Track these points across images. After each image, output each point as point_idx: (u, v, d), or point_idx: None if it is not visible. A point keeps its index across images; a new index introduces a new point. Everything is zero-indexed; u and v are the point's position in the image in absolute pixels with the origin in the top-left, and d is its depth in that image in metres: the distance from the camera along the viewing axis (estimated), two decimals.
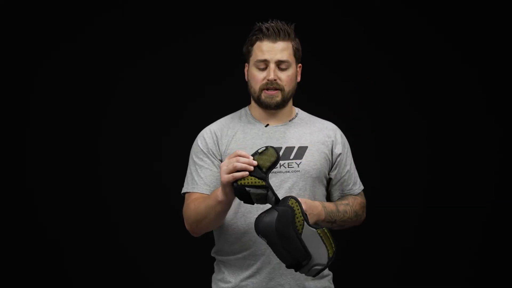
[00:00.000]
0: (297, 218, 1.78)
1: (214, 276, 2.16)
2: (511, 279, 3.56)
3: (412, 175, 3.58)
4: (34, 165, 3.48)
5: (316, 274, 1.81)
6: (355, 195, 2.18)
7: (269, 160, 1.81)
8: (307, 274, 1.82)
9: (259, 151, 1.83)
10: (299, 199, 1.83)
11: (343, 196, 2.16)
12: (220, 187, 1.89)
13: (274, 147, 1.84)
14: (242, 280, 2.06)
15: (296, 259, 1.78)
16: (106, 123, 3.53)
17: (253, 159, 1.80)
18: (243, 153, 1.81)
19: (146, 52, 3.52)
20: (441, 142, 3.60)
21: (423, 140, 3.60)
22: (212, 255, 2.17)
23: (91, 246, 3.49)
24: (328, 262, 1.80)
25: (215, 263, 2.17)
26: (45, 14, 3.46)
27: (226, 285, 2.09)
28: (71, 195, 3.49)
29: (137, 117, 3.53)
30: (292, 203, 1.80)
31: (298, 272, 1.90)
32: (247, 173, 1.78)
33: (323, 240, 1.79)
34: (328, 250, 1.79)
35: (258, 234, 1.80)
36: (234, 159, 1.80)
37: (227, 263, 2.10)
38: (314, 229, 1.79)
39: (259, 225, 1.79)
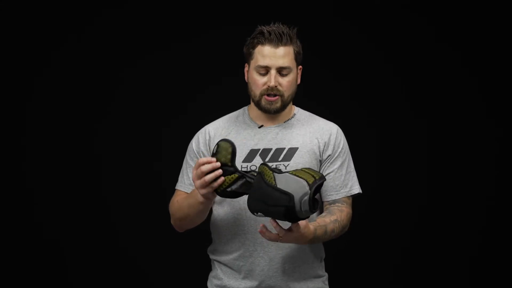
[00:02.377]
0: (267, 175, 1.78)
1: (210, 273, 2.19)
2: (511, 280, 3.57)
3: (411, 176, 3.58)
4: (34, 164, 3.49)
5: (310, 207, 1.74)
6: (342, 199, 2.09)
7: (226, 153, 1.84)
8: (302, 213, 1.74)
9: (214, 151, 1.86)
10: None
11: (330, 209, 2.06)
12: None
13: (224, 139, 1.88)
14: (234, 281, 2.08)
15: (284, 205, 1.74)
16: (105, 122, 3.53)
17: (216, 161, 1.83)
18: (203, 159, 1.83)
19: (146, 52, 3.52)
20: (441, 143, 3.60)
21: (422, 141, 3.60)
22: (208, 253, 2.19)
23: (90, 245, 3.50)
24: (310, 187, 1.74)
25: (211, 261, 2.19)
26: (44, 14, 3.46)
27: (219, 281, 2.11)
28: (70, 194, 3.49)
29: (137, 117, 3.53)
30: (260, 168, 1.81)
31: (286, 274, 2.00)
32: (222, 178, 1.82)
33: (298, 175, 1.76)
34: (306, 180, 1.75)
35: (253, 213, 1.81)
36: (200, 171, 1.82)
37: (220, 263, 2.12)
38: (286, 172, 1.78)
39: (248, 204, 1.81)
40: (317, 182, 1.74)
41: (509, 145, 3.58)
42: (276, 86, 2.03)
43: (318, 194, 1.79)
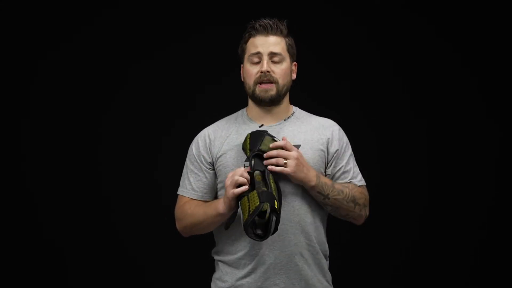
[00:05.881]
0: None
1: (213, 275, 2.19)
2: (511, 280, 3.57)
3: (412, 176, 3.58)
4: (34, 165, 3.48)
5: (254, 238, 1.86)
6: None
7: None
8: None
9: (259, 144, 1.97)
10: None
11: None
12: (222, 200, 1.97)
13: (264, 131, 2.01)
14: (238, 280, 2.08)
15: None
16: (105, 123, 3.53)
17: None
18: (242, 173, 1.92)
19: (145, 53, 3.52)
20: (442, 142, 3.59)
21: (423, 141, 3.59)
22: (212, 255, 2.20)
23: (91, 248, 3.49)
24: (243, 225, 1.86)
25: (215, 262, 2.19)
26: (44, 14, 3.46)
27: (223, 284, 2.11)
28: (70, 195, 3.49)
29: (137, 118, 3.53)
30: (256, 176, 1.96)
31: (292, 272, 2.04)
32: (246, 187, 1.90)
33: (241, 209, 1.88)
34: (243, 217, 1.87)
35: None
36: (233, 181, 1.91)
37: (225, 263, 2.12)
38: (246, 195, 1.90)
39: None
40: (245, 223, 1.85)
41: (509, 144, 3.58)
42: (269, 72, 2.05)
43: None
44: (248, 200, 1.85)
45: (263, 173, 1.93)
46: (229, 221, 1.98)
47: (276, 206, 1.85)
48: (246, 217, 1.84)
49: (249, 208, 1.84)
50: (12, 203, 3.46)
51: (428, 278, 3.56)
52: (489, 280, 3.58)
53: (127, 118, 3.53)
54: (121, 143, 3.52)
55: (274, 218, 1.84)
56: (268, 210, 1.82)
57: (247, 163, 2.03)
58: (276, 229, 1.85)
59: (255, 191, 1.85)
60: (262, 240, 1.86)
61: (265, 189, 1.87)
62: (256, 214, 1.81)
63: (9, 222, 3.45)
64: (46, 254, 3.48)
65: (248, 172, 1.92)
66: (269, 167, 1.95)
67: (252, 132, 2.02)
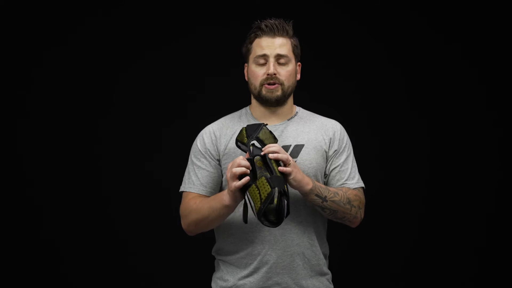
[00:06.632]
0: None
1: (214, 275, 2.18)
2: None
3: (413, 176, 3.58)
4: (33, 164, 3.48)
5: (269, 225, 1.83)
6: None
7: (269, 136, 1.97)
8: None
9: (257, 135, 1.96)
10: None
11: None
12: (226, 192, 1.94)
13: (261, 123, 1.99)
14: (240, 279, 2.07)
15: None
16: (104, 122, 3.52)
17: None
18: (241, 162, 1.88)
19: (143, 51, 3.51)
20: (442, 142, 3.59)
21: (425, 141, 3.59)
22: (213, 253, 2.19)
23: (91, 246, 3.48)
24: (256, 215, 1.83)
25: (215, 261, 2.19)
26: (40, 14, 3.46)
27: (225, 283, 2.10)
28: (70, 195, 3.48)
29: (136, 118, 3.53)
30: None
31: (294, 272, 2.02)
32: (247, 178, 1.86)
33: (251, 198, 1.85)
34: (254, 206, 1.84)
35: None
36: (232, 173, 1.87)
37: (226, 262, 2.11)
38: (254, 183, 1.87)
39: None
40: (259, 212, 1.81)
41: (510, 144, 3.58)
42: (275, 74, 2.05)
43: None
44: (258, 188, 1.82)
45: (263, 157, 1.90)
46: (245, 213, 1.93)
47: (286, 188, 1.83)
48: (259, 205, 1.80)
49: (260, 196, 1.81)
50: (12, 203, 3.46)
51: (428, 278, 3.56)
52: (489, 280, 3.58)
53: (126, 118, 3.53)
54: (120, 143, 3.52)
55: (285, 201, 1.81)
56: (277, 195, 1.79)
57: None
58: (288, 212, 1.82)
59: (263, 178, 1.82)
60: (276, 226, 1.83)
61: (271, 174, 1.84)
62: (269, 201, 1.78)
63: (9, 222, 3.45)
64: (46, 254, 3.47)
65: (248, 159, 1.90)
66: (271, 155, 1.91)
67: (248, 125, 2.00)
